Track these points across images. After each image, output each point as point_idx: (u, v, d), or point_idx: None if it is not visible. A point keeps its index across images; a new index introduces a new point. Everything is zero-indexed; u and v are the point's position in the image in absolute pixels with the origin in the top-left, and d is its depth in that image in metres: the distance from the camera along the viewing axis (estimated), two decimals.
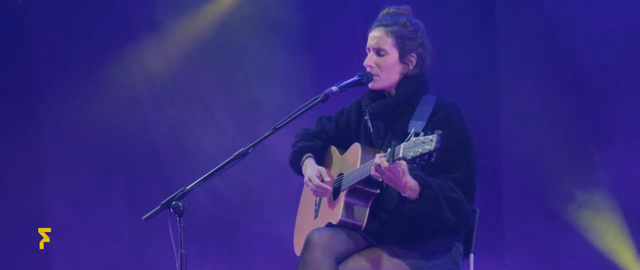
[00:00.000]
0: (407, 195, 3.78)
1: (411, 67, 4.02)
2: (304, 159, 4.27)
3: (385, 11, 4.06)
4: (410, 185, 3.75)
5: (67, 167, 7.16)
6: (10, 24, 7.08)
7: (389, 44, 3.99)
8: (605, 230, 6.18)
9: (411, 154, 3.54)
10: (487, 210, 4.38)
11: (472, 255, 4.11)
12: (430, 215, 3.79)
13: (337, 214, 3.95)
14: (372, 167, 3.72)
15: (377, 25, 4.03)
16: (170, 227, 3.78)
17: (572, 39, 6.22)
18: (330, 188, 4.07)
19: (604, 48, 6.10)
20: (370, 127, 4.10)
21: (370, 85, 4.04)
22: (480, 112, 6.28)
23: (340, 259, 3.89)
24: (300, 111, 3.96)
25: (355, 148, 4.06)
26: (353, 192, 3.94)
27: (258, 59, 7.13)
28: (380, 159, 3.69)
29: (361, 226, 3.93)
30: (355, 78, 4.03)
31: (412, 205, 3.79)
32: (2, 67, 7.05)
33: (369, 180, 3.87)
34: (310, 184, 4.10)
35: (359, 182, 3.90)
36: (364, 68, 4.04)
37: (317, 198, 4.24)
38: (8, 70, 7.06)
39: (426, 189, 3.77)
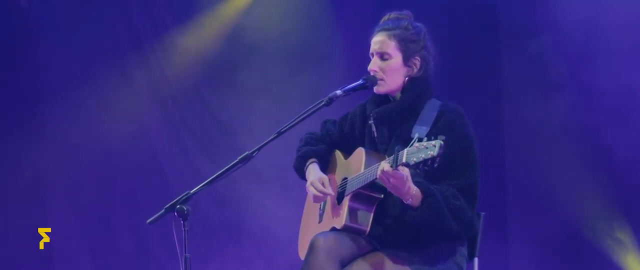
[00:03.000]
0: (409, 203, 3.78)
1: (415, 70, 4.02)
2: (307, 163, 4.27)
3: (386, 17, 4.08)
4: (412, 192, 3.75)
5: (70, 170, 7.15)
6: (15, 26, 7.09)
7: (392, 47, 4.00)
8: (612, 237, 6.17)
9: (414, 159, 3.53)
10: (492, 214, 4.36)
11: (476, 260, 4.11)
12: (433, 222, 3.78)
13: (341, 218, 3.95)
14: (378, 172, 3.72)
15: (380, 30, 4.04)
16: (174, 231, 3.78)
17: (575, 48, 6.24)
18: (332, 193, 4.06)
19: (609, 57, 6.12)
20: (375, 132, 4.10)
21: (375, 89, 4.04)
22: (484, 118, 6.28)
23: (345, 264, 3.88)
24: (305, 115, 3.96)
25: (360, 153, 4.05)
26: (357, 196, 3.94)
27: (263, 65, 7.14)
28: (384, 164, 3.69)
29: (365, 231, 3.92)
30: (360, 82, 4.03)
31: (414, 213, 3.79)
32: (7, 69, 7.06)
33: (372, 185, 3.87)
34: (311, 189, 4.10)
35: (363, 187, 3.89)
36: (368, 72, 4.05)
37: (322, 202, 4.24)
38: (12, 72, 7.07)
39: (428, 197, 3.76)
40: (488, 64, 6.57)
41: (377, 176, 3.72)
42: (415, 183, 3.75)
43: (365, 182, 3.86)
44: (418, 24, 4.06)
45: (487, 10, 6.58)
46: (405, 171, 3.66)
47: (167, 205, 3.81)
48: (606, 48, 6.13)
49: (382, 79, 4.01)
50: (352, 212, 3.93)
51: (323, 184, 4.07)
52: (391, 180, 3.68)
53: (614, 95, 6.10)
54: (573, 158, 6.26)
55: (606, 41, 6.13)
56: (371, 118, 4.09)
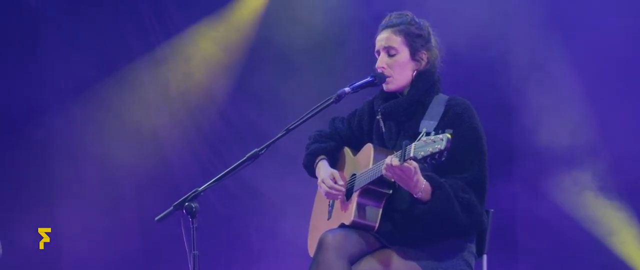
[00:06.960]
0: (419, 197, 3.78)
1: (423, 64, 4.04)
2: (317, 161, 4.28)
3: (388, 17, 4.09)
4: (421, 186, 3.75)
5: (77, 171, 7.16)
6: (23, 27, 7.10)
7: (398, 42, 4.00)
8: (622, 231, 6.17)
9: (422, 153, 3.54)
10: (501, 211, 4.36)
11: (485, 256, 4.10)
12: (443, 215, 3.78)
13: (349, 214, 3.95)
14: (383, 167, 3.72)
15: (384, 28, 4.05)
16: (183, 229, 3.78)
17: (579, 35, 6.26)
18: (343, 190, 4.07)
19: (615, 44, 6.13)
20: (383, 127, 4.10)
21: (384, 87, 4.05)
22: (493, 110, 6.27)
23: (353, 260, 3.88)
24: (313, 112, 3.96)
25: (368, 149, 4.05)
26: (366, 192, 3.94)
27: (273, 66, 7.14)
28: (391, 159, 3.69)
29: (374, 227, 3.92)
30: (368, 79, 4.03)
31: (425, 207, 3.79)
32: (14, 70, 7.07)
33: (381, 181, 3.86)
34: (323, 186, 4.10)
35: (371, 183, 3.89)
36: (376, 70, 4.04)
37: (332, 199, 4.24)
38: (19, 73, 7.08)
39: (438, 189, 3.76)
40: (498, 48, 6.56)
41: (383, 172, 3.73)
42: (425, 176, 3.76)
43: (374, 178, 3.86)
44: (421, 20, 4.07)
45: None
46: (412, 164, 3.66)
47: (176, 203, 3.82)
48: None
49: (390, 76, 4.01)
50: (360, 208, 3.94)
51: (334, 180, 4.08)
52: (398, 172, 3.69)
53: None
54: (581, 151, 6.26)
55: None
56: (379, 113, 4.09)
